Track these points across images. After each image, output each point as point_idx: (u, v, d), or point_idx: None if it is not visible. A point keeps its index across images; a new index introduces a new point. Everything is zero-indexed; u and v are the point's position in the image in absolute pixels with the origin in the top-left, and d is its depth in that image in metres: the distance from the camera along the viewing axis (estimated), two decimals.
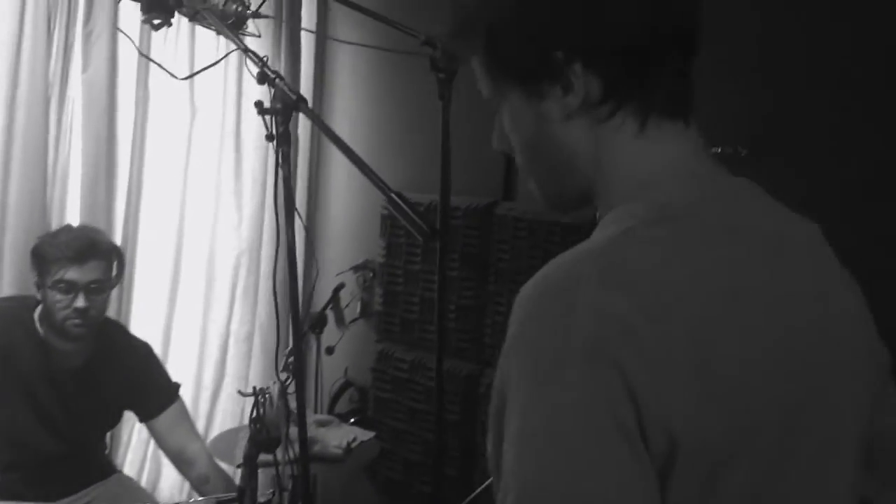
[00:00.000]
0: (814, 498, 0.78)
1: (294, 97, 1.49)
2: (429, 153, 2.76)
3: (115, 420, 2.49)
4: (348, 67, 3.15)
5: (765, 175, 1.97)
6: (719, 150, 1.91)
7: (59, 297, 2.13)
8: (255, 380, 3.10)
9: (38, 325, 2.20)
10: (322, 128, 1.43)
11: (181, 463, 2.41)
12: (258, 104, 1.55)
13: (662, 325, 0.69)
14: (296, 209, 1.58)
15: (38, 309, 2.20)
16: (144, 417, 2.43)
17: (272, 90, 1.56)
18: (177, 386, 2.44)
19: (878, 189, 1.85)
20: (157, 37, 2.65)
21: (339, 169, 3.18)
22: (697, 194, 0.79)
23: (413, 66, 2.54)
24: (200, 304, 2.97)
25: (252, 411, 1.56)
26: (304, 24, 3.08)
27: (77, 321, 2.14)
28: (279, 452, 1.60)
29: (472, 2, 0.85)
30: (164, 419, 2.40)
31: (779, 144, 1.95)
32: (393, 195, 1.24)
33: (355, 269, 3.02)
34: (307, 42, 3.14)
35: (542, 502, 0.68)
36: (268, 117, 1.54)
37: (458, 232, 2.61)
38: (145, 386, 2.39)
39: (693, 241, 0.75)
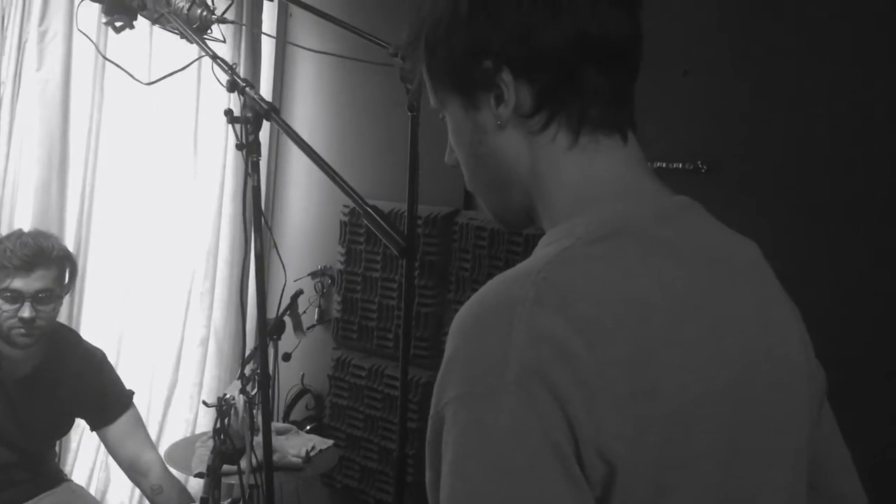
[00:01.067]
0: None
1: (265, 106, 1.49)
2: (389, 162, 2.78)
3: (65, 428, 2.43)
4: (308, 74, 3.14)
5: (723, 190, 2.05)
6: (680, 165, 1.96)
7: (4, 306, 2.07)
8: (209, 385, 3.06)
9: None
10: (293, 138, 1.43)
11: (134, 473, 2.37)
12: (228, 113, 1.54)
13: (600, 349, 0.68)
14: (263, 215, 1.57)
15: None
16: (97, 426, 2.37)
17: (242, 98, 1.56)
18: (131, 394, 2.40)
19: (835, 205, 1.91)
20: (113, 38, 2.60)
21: (298, 175, 3.17)
22: (637, 211, 0.78)
23: (374, 75, 2.56)
24: (155, 308, 2.93)
25: (216, 422, 1.54)
26: (264, 28, 3.06)
27: (22, 331, 2.08)
28: (243, 462, 1.59)
29: (416, 16, 0.86)
30: (118, 428, 2.35)
31: (737, 161, 2.00)
32: (368, 208, 1.25)
33: (313, 275, 3.00)
34: (267, 48, 3.12)
35: None
36: (238, 126, 1.53)
37: (418, 240, 2.62)
38: (98, 394, 2.34)
39: (632, 259, 0.74)
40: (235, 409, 1.56)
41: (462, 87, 0.82)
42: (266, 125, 1.55)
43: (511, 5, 0.78)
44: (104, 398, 2.34)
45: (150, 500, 2.37)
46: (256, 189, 1.55)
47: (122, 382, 2.40)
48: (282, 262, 1.84)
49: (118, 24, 1.99)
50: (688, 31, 2.06)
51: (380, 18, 2.72)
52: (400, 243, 1.17)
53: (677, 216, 0.80)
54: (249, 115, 1.52)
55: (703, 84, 2.06)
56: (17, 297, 2.07)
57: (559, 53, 0.78)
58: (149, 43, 2.75)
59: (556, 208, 0.81)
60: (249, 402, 1.57)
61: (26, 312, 2.07)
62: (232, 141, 2.98)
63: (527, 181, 0.82)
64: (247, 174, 1.54)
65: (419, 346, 2.65)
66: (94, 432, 2.41)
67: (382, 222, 1.20)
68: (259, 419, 1.69)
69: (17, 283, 2.07)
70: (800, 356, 0.84)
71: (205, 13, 1.98)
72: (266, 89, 3.15)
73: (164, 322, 2.96)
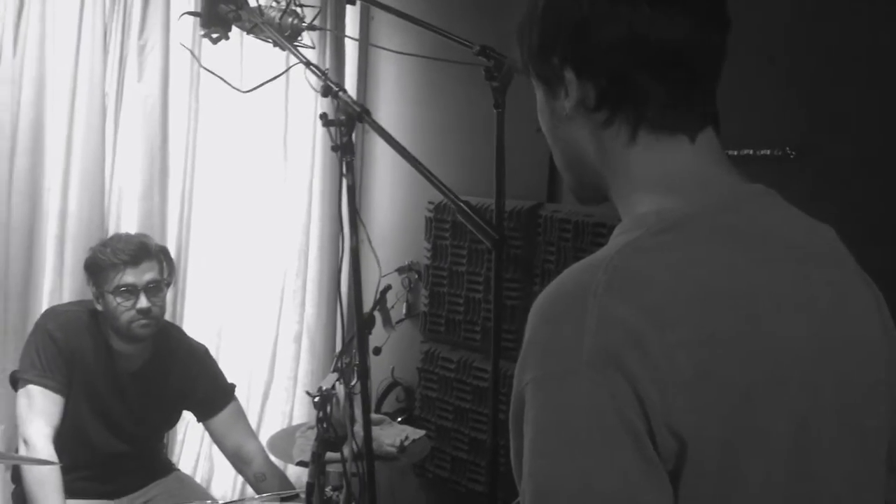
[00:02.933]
0: (834, 501, 0.80)
1: (358, 109, 1.55)
2: (470, 157, 2.83)
3: (174, 420, 2.58)
4: (391, 75, 3.21)
5: (812, 177, 2.02)
6: (768, 152, 1.95)
7: (121, 301, 2.22)
8: (303, 379, 3.18)
9: (101, 328, 2.28)
10: (386, 138, 1.49)
11: (238, 461, 2.49)
12: (323, 116, 1.61)
13: (668, 332, 0.72)
14: (358, 214, 1.64)
15: (99, 315, 2.29)
16: (203, 417, 2.50)
17: (336, 102, 1.63)
18: (232, 387, 2.52)
19: None
20: (207, 50, 2.72)
21: (383, 174, 3.25)
22: (704, 202, 0.81)
23: (456, 74, 2.60)
24: (251, 306, 3.05)
25: (319, 411, 1.62)
26: (347, 32, 3.15)
27: (143, 321, 2.24)
28: (345, 450, 1.66)
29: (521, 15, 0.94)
30: (222, 419, 2.48)
31: (826, 147, 1.97)
32: (461, 203, 1.30)
33: (400, 270, 3.08)
34: (350, 50, 3.21)
35: (553, 501, 0.72)
36: (332, 128, 1.60)
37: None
38: (203, 387, 2.46)
39: (698, 247, 0.77)
40: (336, 399, 1.64)
41: (540, 77, 0.90)
42: None
43: (572, 8, 0.84)
44: (210, 391, 2.47)
45: (253, 488, 2.49)
46: (351, 188, 1.62)
47: (223, 376, 2.52)
48: (376, 257, 1.90)
49: (214, 35, 2.09)
50: (774, 16, 2.04)
51: (462, 18, 2.77)
52: (493, 236, 1.21)
53: (749, 204, 0.83)
54: (343, 117, 1.59)
55: (791, 69, 2.03)
56: (131, 291, 2.22)
57: (612, 56, 0.83)
58: (240, 52, 2.87)
59: (624, 198, 0.86)
60: (349, 393, 1.64)
61: (143, 303, 2.23)
62: (319, 143, 3.10)
63: (598, 167, 0.88)
64: (342, 174, 1.61)
65: (506, 339, 2.68)
66: (201, 423, 2.54)
67: (475, 216, 1.24)
68: (358, 409, 1.77)
69: (129, 278, 2.22)
70: (879, 342, 0.86)
71: (295, 21, 2.06)
72: (350, 91, 3.23)
73: (260, 319, 3.08)
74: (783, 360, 0.76)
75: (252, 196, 3.01)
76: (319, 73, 1.69)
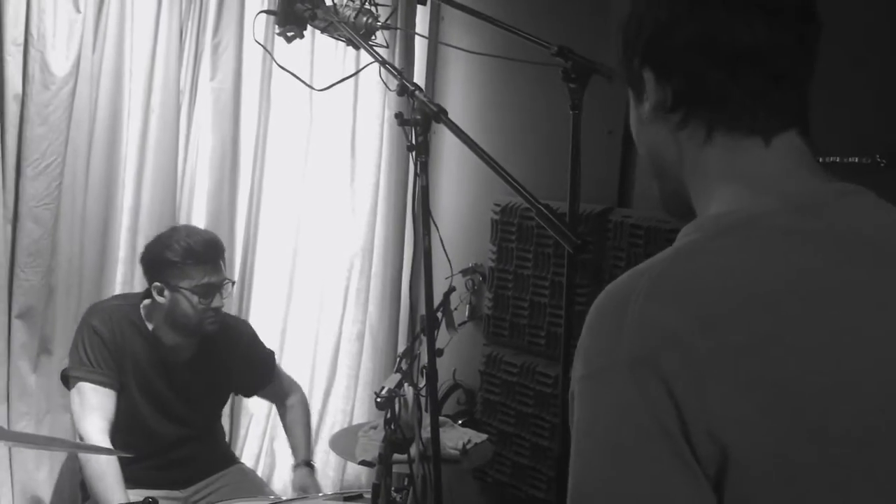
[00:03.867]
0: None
1: (434, 109, 1.54)
2: (541, 159, 2.79)
3: (225, 399, 2.61)
4: (460, 74, 3.20)
5: None
6: (856, 160, 1.87)
7: (197, 299, 2.24)
8: (364, 378, 3.18)
9: (146, 321, 2.31)
10: (463, 138, 1.47)
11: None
12: (398, 115, 1.61)
13: (714, 337, 0.72)
14: (431, 214, 1.63)
15: (145, 305, 2.32)
16: (250, 394, 2.59)
17: (412, 101, 1.62)
18: (272, 355, 2.57)
19: None
20: (279, 48, 2.74)
21: (448, 174, 3.23)
22: (772, 204, 0.80)
23: (527, 74, 2.57)
24: (315, 304, 3.07)
25: (387, 412, 1.61)
26: (417, 30, 3.15)
27: (213, 318, 2.27)
28: (412, 451, 1.65)
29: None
30: (268, 392, 2.61)
31: None
32: (541, 207, 1.27)
33: (464, 272, 3.06)
34: (420, 50, 3.20)
35: (587, 498, 0.75)
36: (408, 128, 1.59)
37: None
38: (251, 365, 2.51)
39: (757, 251, 0.77)
40: (405, 400, 1.62)
41: (628, 81, 0.92)
42: None
43: (651, 12, 0.87)
44: (254, 369, 2.52)
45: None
46: (425, 188, 1.61)
47: (265, 346, 2.56)
48: (448, 259, 1.89)
49: (290, 34, 2.11)
50: (863, 16, 1.97)
51: (537, 18, 2.74)
52: (574, 241, 1.19)
53: (831, 205, 0.81)
54: (419, 117, 1.58)
55: (882, 71, 1.96)
56: (210, 290, 2.26)
57: (688, 57, 0.84)
58: (311, 51, 2.89)
59: (701, 200, 0.87)
60: (417, 395, 1.63)
61: (217, 302, 2.26)
62: (387, 142, 3.10)
63: (677, 172, 0.89)
64: (416, 174, 1.60)
65: (572, 345, 2.64)
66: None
67: (556, 220, 1.22)
68: (425, 412, 1.76)
69: (210, 278, 2.25)
70: None
71: (369, 20, 2.07)
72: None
73: (324, 317, 3.09)
74: (851, 361, 0.74)
75: (319, 194, 3.03)
76: (395, 73, 1.68)
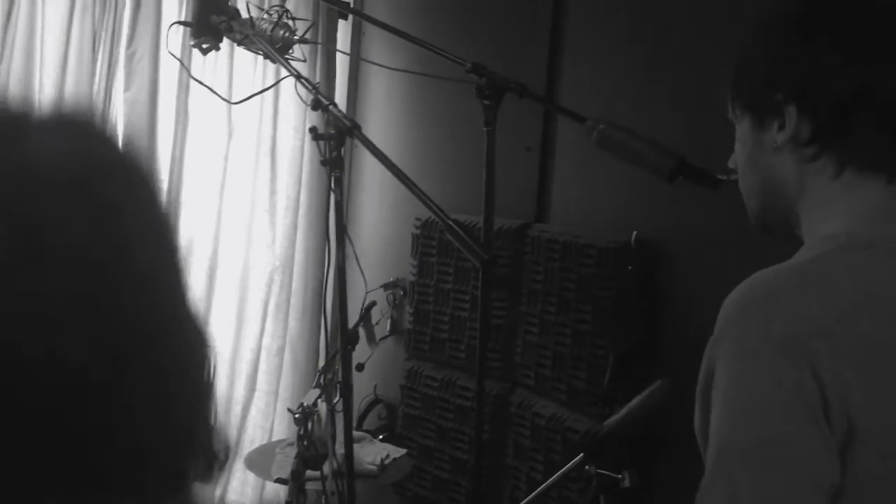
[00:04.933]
0: None
1: (349, 124, 1.54)
2: (460, 174, 2.82)
3: None
4: (381, 90, 3.21)
5: None
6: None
7: None
8: (284, 394, 3.14)
9: None
10: (376, 154, 1.48)
11: None
12: (313, 130, 1.60)
13: (850, 329, 0.86)
14: (345, 230, 1.63)
15: None
16: None
17: (326, 116, 1.62)
18: None
19: None
20: (197, 60, 2.71)
21: (370, 188, 3.23)
22: (889, 231, 0.94)
23: (447, 90, 2.60)
24: (233, 319, 3.02)
25: (300, 428, 1.60)
26: (338, 46, 3.15)
27: None
28: (325, 468, 1.64)
29: (742, 48, 1.06)
30: None
31: None
32: (450, 221, 1.28)
33: (385, 287, 3.06)
34: (341, 65, 3.20)
35: (735, 457, 0.86)
36: (322, 142, 1.59)
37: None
38: None
39: (880, 265, 0.91)
40: (318, 416, 1.61)
41: (755, 108, 1.02)
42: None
43: (809, 53, 0.96)
44: None
45: None
46: (339, 203, 1.61)
47: None
48: (363, 274, 1.89)
49: (205, 45, 2.08)
50: None
51: (454, 35, 2.78)
52: (482, 255, 1.20)
53: None
54: (332, 132, 1.58)
55: None
56: None
57: (840, 100, 0.95)
58: (229, 63, 2.86)
59: (815, 223, 0.99)
60: (331, 410, 1.62)
61: None
62: (308, 157, 3.08)
63: (792, 196, 1.01)
64: (330, 189, 1.60)
65: (491, 358, 2.67)
66: None
67: (464, 235, 1.23)
68: (340, 427, 1.75)
69: None
70: None
71: (286, 34, 2.06)
72: (340, 105, 3.23)
73: (243, 332, 3.05)
74: None
75: (238, 208, 2.99)
76: (310, 87, 1.68)
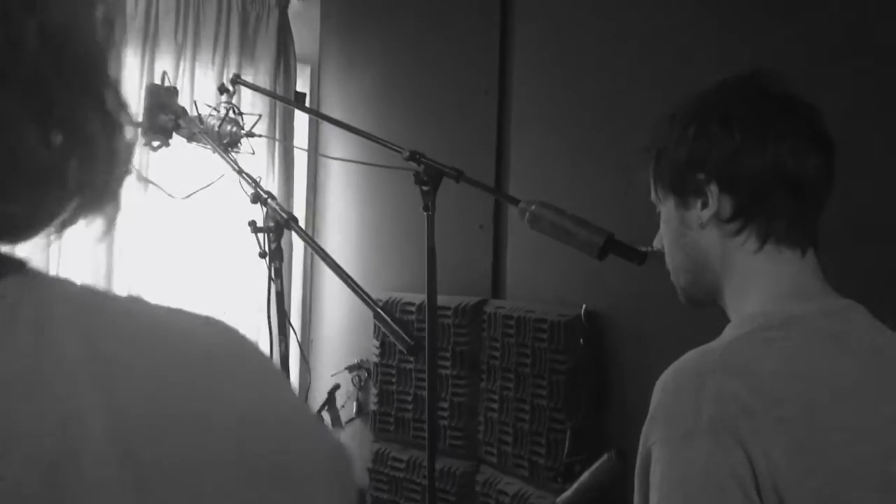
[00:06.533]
0: None
1: (285, 216, 1.59)
2: (418, 256, 2.87)
3: None
4: (340, 181, 3.28)
5: None
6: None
7: None
8: None
9: None
10: (312, 246, 1.53)
11: None
12: (251, 223, 1.65)
13: (773, 409, 0.90)
14: (288, 319, 1.65)
15: None
16: None
17: (265, 209, 1.67)
18: None
19: None
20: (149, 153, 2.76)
21: (330, 273, 3.28)
22: (806, 308, 1.00)
23: (400, 176, 2.67)
24: None
25: None
26: (297, 142, 3.22)
27: None
28: None
29: (655, 131, 1.14)
30: None
31: None
32: (378, 309, 1.32)
33: (350, 368, 3.07)
34: (301, 155, 3.27)
35: None
36: (261, 235, 1.63)
37: (448, 330, 2.68)
38: None
39: (800, 343, 0.96)
40: None
41: (677, 189, 1.09)
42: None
43: (726, 136, 1.04)
44: None
45: None
46: (280, 294, 1.64)
47: None
48: (307, 363, 1.90)
49: (155, 143, 2.14)
50: None
51: (407, 127, 2.87)
52: (407, 341, 1.24)
53: (842, 313, 1.02)
54: (271, 224, 1.63)
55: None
56: None
57: (759, 177, 1.02)
58: (181, 157, 2.91)
59: (740, 298, 1.05)
60: None
61: None
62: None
63: (718, 271, 1.07)
64: (270, 279, 1.63)
65: (454, 437, 2.67)
66: None
67: (390, 321, 1.27)
68: None
69: None
70: None
71: (234, 129, 2.12)
72: (301, 195, 3.29)
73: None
74: (870, 437, 0.94)
75: (213, 301, 3.00)
76: (250, 181, 1.73)
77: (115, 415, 0.41)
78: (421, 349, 1.34)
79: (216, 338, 0.49)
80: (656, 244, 1.19)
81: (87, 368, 0.41)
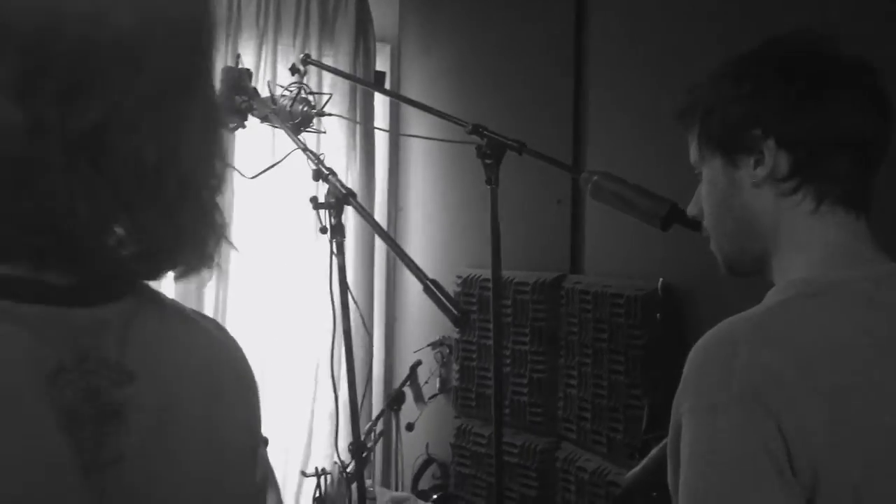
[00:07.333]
0: None
1: (343, 192, 1.61)
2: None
3: None
4: (420, 159, 3.30)
5: None
6: None
7: None
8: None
9: None
10: (369, 221, 1.54)
11: None
12: (313, 199, 1.67)
13: (808, 378, 0.86)
14: (350, 294, 1.68)
15: None
16: None
17: (326, 186, 1.69)
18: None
19: None
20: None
21: (414, 248, 3.30)
22: (853, 274, 0.96)
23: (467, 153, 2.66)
24: (285, 387, 3.07)
25: (315, 491, 1.63)
26: (378, 121, 3.25)
27: None
28: None
29: (695, 90, 1.10)
30: None
31: None
32: (428, 282, 1.32)
33: (432, 345, 3.09)
34: (381, 137, 3.30)
35: None
36: (322, 211, 1.66)
37: (527, 306, 2.65)
38: None
39: (840, 311, 0.93)
40: (332, 478, 1.64)
41: (728, 148, 1.03)
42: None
43: (786, 90, 0.99)
44: None
45: None
46: (342, 269, 1.66)
47: None
48: (369, 333, 1.92)
49: (231, 125, 2.20)
50: None
51: (484, 104, 2.85)
52: (454, 313, 1.23)
53: (887, 279, 0.97)
54: (332, 200, 1.65)
55: None
56: None
57: (818, 134, 0.98)
58: (273, 135, 2.98)
59: (787, 263, 1.00)
60: (343, 473, 1.65)
61: None
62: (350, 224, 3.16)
63: (767, 233, 1.02)
64: (332, 255, 1.66)
65: (534, 413, 2.65)
66: None
67: (439, 295, 1.26)
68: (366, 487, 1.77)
69: None
70: None
71: (305, 108, 2.16)
72: (382, 175, 3.33)
73: (295, 399, 3.10)
74: None
75: (284, 277, 3.08)
76: (314, 158, 1.75)
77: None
78: (467, 321, 1.33)
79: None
80: (691, 211, 1.14)
81: None
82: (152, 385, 0.62)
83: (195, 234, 0.65)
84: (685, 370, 0.93)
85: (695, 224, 1.50)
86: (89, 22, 0.55)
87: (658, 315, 2.17)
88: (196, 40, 0.64)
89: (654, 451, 1.72)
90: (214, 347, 0.72)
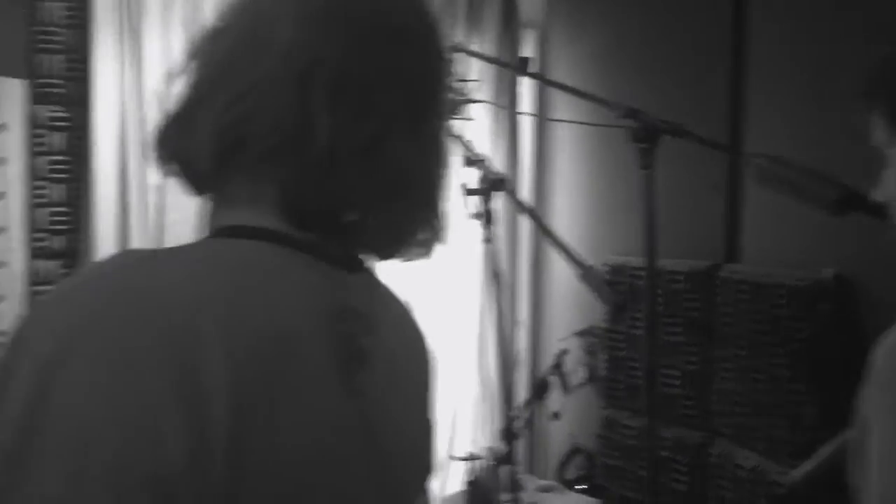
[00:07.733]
0: None
1: (496, 177, 1.60)
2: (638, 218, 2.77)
3: None
4: (566, 144, 3.25)
5: None
6: None
7: None
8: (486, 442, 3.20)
9: None
10: (522, 206, 1.52)
11: None
12: (463, 185, 1.68)
13: None
14: (500, 277, 1.67)
15: None
16: None
17: (478, 172, 1.69)
18: None
19: None
20: None
21: (561, 235, 3.26)
22: None
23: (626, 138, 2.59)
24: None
25: (466, 475, 1.64)
26: (525, 106, 3.23)
27: None
28: None
29: (883, 66, 1.04)
30: None
31: None
32: (586, 268, 1.29)
33: (579, 334, 3.04)
34: (527, 122, 3.28)
35: None
36: (473, 197, 1.66)
37: (679, 296, 2.57)
38: None
39: None
40: (485, 464, 1.65)
41: None
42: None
43: None
44: None
45: None
46: (494, 255, 1.66)
47: None
48: (513, 318, 1.91)
49: None
50: None
51: (636, 87, 2.77)
52: (614, 300, 1.20)
53: None
54: (484, 186, 1.64)
55: None
56: None
57: None
58: None
59: None
60: (496, 458, 1.65)
61: None
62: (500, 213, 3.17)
63: None
64: (486, 241, 1.65)
65: (686, 406, 2.57)
66: None
67: (598, 281, 1.24)
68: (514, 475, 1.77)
69: None
70: None
71: (453, 95, 2.17)
72: (528, 162, 3.31)
73: (441, 383, 3.14)
74: None
75: (432, 263, 3.11)
76: (464, 145, 1.76)
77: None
78: (626, 310, 1.29)
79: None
80: (880, 196, 1.05)
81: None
82: (385, 339, 0.77)
83: (423, 227, 0.79)
84: (879, 365, 0.88)
85: (879, 210, 1.39)
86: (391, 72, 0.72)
87: (827, 307, 2.05)
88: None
89: (825, 450, 1.63)
90: (413, 321, 0.89)
